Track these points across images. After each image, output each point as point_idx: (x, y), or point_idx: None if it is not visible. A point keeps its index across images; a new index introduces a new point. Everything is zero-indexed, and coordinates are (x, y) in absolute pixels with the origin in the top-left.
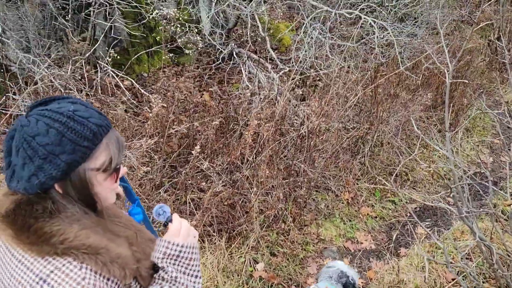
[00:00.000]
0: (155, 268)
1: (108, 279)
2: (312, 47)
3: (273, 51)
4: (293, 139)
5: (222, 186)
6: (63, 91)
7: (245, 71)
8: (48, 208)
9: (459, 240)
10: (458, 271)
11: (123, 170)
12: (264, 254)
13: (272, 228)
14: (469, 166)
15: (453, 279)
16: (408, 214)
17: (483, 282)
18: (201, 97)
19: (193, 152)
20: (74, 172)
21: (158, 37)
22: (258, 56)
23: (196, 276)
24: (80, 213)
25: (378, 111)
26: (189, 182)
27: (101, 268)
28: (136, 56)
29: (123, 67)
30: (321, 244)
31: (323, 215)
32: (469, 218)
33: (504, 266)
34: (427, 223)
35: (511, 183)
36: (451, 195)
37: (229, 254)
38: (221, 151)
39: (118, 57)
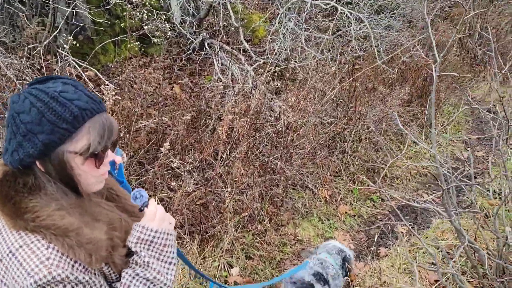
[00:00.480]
0: (129, 252)
1: (75, 262)
2: (287, 38)
3: (247, 43)
4: (269, 135)
5: (194, 185)
6: (16, 81)
7: (218, 63)
8: (28, 184)
9: (440, 239)
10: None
11: (118, 159)
12: (239, 258)
13: (248, 229)
14: (446, 161)
15: (436, 281)
16: (388, 212)
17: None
18: (171, 89)
19: (162, 149)
20: (54, 152)
21: (123, 23)
22: (231, 47)
23: (170, 263)
24: (59, 193)
25: (356, 106)
26: (158, 181)
27: (67, 250)
28: (101, 45)
29: (87, 57)
30: (299, 245)
31: (300, 214)
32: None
33: (490, 268)
34: (407, 221)
35: (490, 180)
36: (441, 197)
37: (202, 259)
38: (193, 148)
39: (79, 45)
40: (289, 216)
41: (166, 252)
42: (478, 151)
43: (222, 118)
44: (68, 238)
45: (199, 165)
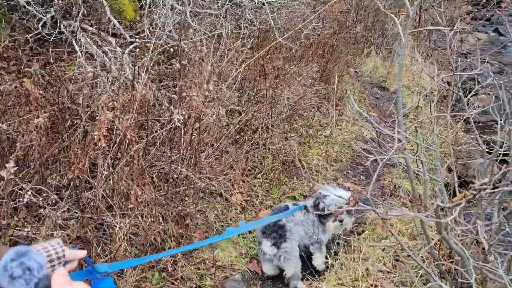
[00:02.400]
0: None
1: None
2: (168, 16)
3: (117, 22)
4: (165, 134)
5: (62, 219)
6: None
7: (80, 48)
8: None
9: (381, 236)
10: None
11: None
12: None
13: (152, 265)
14: (356, 143)
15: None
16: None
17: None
18: (20, 84)
19: (2, 172)
20: None
21: None
22: (97, 28)
23: None
24: None
25: (267, 90)
26: (3, 222)
27: None
28: None
29: None
30: (220, 273)
31: (215, 230)
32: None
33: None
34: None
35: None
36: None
37: None
38: (58, 162)
39: None
40: (201, 236)
41: None
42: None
43: (96, 116)
44: None
45: (69, 184)
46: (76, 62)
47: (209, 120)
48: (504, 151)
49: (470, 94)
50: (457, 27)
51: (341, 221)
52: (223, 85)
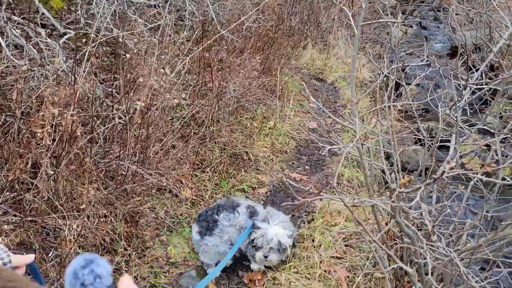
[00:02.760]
0: None
1: None
2: (105, 6)
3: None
4: (109, 130)
5: (5, 223)
6: None
7: (6, 40)
8: None
9: (332, 223)
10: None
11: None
12: None
13: None
14: (299, 134)
15: (347, 277)
16: (263, 202)
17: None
18: None
19: None
20: None
21: None
22: (23, 18)
23: None
24: None
25: (213, 82)
26: None
27: None
28: None
29: None
30: (175, 270)
31: (166, 226)
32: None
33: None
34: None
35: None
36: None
37: None
38: None
39: None
40: (152, 234)
41: None
42: (325, 119)
43: (32, 112)
44: None
45: (7, 185)
46: (3, 55)
47: (155, 113)
48: (440, 138)
49: (411, 85)
50: (397, 20)
51: (266, 256)
52: (169, 76)
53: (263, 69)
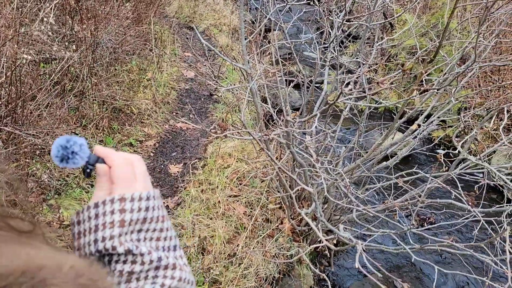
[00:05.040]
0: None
1: None
2: None
3: None
4: None
5: None
6: None
7: None
8: None
9: (224, 165)
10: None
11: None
12: None
13: None
14: (178, 84)
15: (245, 212)
16: (152, 154)
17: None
18: None
19: None
20: None
21: None
22: None
23: (175, 248)
24: None
25: (85, 32)
26: None
27: None
28: None
29: None
30: (69, 232)
31: (54, 189)
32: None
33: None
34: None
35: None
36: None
37: None
38: None
39: None
40: (37, 198)
41: (167, 229)
42: (200, 68)
43: None
44: None
45: None
46: None
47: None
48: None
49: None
50: None
51: None
52: (31, 26)
53: (134, 18)
